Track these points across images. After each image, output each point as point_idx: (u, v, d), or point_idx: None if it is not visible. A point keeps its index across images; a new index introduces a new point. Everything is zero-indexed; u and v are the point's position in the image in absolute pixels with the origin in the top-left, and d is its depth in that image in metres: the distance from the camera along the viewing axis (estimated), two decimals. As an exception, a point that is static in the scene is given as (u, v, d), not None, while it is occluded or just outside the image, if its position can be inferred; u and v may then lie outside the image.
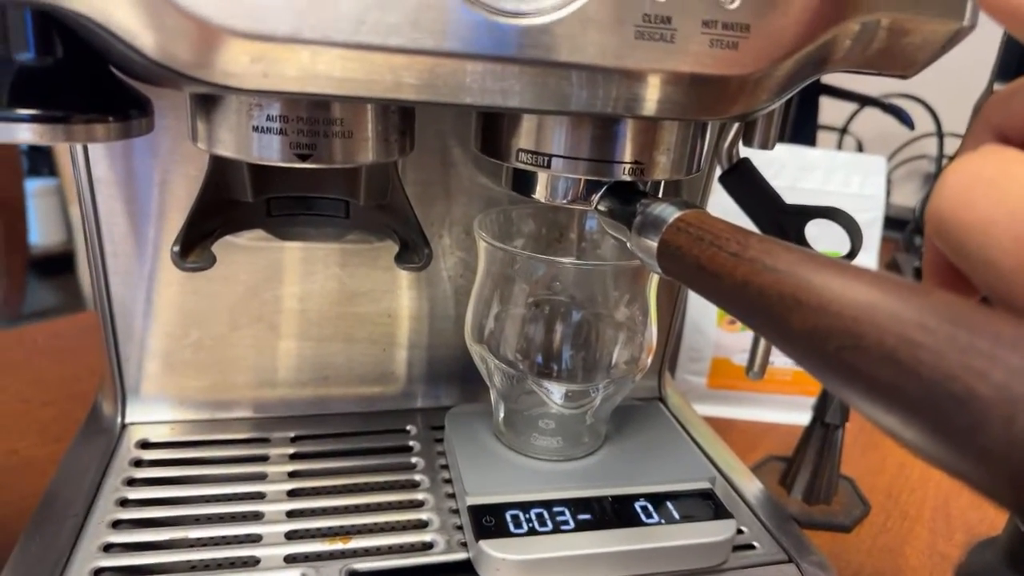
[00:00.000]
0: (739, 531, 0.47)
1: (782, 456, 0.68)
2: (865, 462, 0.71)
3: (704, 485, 0.48)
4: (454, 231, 0.52)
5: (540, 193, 0.40)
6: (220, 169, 0.39)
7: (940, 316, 0.17)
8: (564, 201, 0.40)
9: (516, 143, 0.38)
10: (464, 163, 0.50)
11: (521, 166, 0.38)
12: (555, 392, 0.46)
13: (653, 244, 0.34)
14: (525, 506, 0.44)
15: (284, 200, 0.42)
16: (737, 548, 0.46)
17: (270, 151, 0.33)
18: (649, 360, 0.47)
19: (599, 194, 0.39)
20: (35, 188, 2.46)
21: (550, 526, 0.43)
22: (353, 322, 0.54)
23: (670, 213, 0.33)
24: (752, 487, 0.52)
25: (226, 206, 0.41)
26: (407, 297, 0.54)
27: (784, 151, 0.76)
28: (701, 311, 0.73)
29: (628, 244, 0.37)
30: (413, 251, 0.40)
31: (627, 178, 0.38)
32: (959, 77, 0.81)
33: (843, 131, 1.24)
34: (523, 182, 0.40)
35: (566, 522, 0.43)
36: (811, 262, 0.23)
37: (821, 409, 0.61)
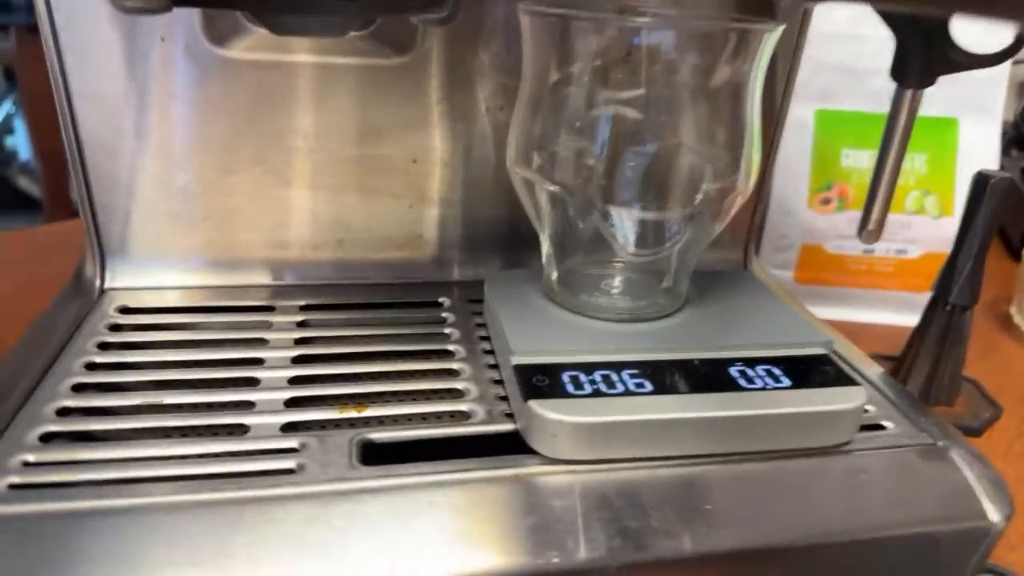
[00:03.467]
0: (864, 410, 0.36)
1: (889, 355, 0.57)
2: (988, 365, 0.60)
3: (818, 350, 0.37)
4: (491, 46, 0.42)
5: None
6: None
7: None
8: None
9: None
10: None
11: None
12: (625, 226, 0.36)
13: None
14: (587, 368, 0.34)
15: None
16: (864, 428, 0.35)
17: None
18: (751, 186, 0.36)
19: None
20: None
21: (620, 388, 0.33)
22: (372, 168, 0.44)
23: None
24: (872, 369, 0.42)
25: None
26: (435, 136, 0.44)
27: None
28: (790, 184, 0.62)
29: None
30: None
31: None
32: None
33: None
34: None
35: (641, 384, 0.33)
36: None
37: (945, 287, 0.50)
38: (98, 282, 0.44)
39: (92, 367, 0.37)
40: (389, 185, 0.45)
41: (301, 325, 0.41)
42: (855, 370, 0.40)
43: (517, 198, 0.42)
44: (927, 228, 0.61)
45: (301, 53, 0.41)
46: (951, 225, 0.61)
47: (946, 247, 0.62)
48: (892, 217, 0.61)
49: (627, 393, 0.32)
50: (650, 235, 0.36)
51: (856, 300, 0.64)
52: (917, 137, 0.61)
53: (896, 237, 0.62)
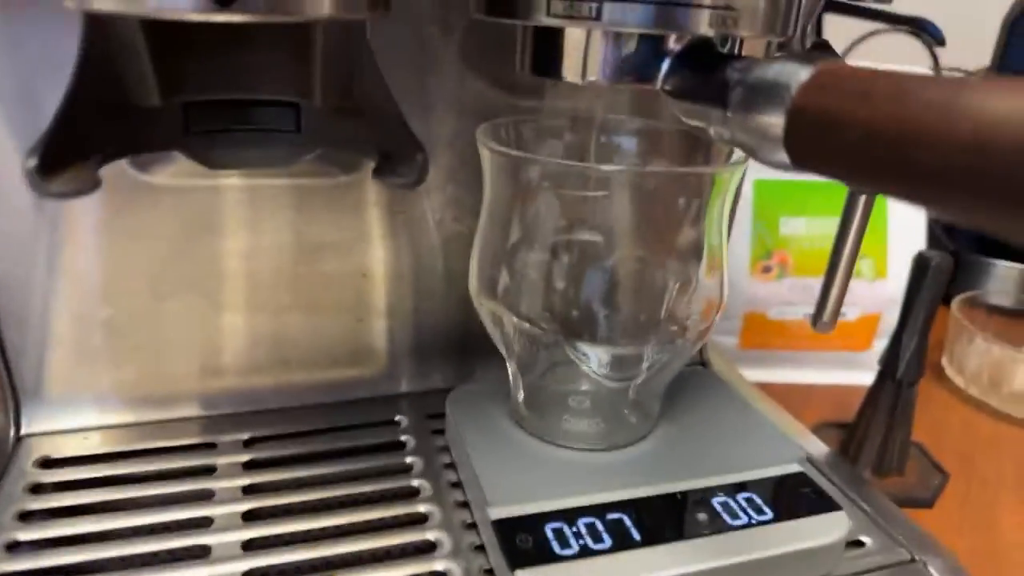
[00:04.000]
0: (841, 525, 0.36)
1: (837, 422, 0.58)
2: (924, 419, 0.61)
3: (794, 468, 0.37)
4: (440, 158, 0.40)
5: (573, 70, 0.28)
6: (102, 44, 0.26)
7: None
8: (608, 80, 0.28)
9: (547, -11, 0.26)
10: (448, 59, 0.38)
11: (553, 21, 0.26)
12: (595, 358, 0.34)
13: (773, 121, 0.22)
14: (570, 515, 0.32)
15: (207, 108, 0.29)
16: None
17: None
18: (719, 315, 0.35)
19: (666, 64, 0.27)
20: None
21: (608, 541, 0.31)
22: (317, 285, 0.41)
23: (794, 70, 0.22)
24: (836, 465, 0.42)
25: (121, 113, 0.28)
26: (384, 249, 0.42)
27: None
28: (731, 255, 0.62)
29: (717, 132, 0.25)
30: (399, 162, 0.28)
31: (708, 31, 0.26)
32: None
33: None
34: (548, 56, 0.28)
35: (629, 533, 0.31)
36: None
37: (892, 363, 0.51)
38: (12, 430, 0.39)
39: (13, 547, 0.33)
40: (335, 301, 0.42)
41: (248, 467, 0.38)
42: (829, 478, 0.40)
43: (469, 305, 0.40)
44: (864, 291, 0.63)
45: (232, 176, 0.38)
46: (885, 287, 0.63)
47: (881, 308, 0.64)
48: (829, 280, 0.63)
49: (616, 548, 0.31)
50: (624, 362, 0.35)
51: (799, 362, 0.64)
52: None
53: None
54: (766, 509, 0.34)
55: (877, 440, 0.52)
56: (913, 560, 0.35)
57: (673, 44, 0.28)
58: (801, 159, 0.23)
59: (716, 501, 0.34)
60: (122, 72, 0.27)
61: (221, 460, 0.39)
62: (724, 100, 0.25)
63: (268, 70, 0.28)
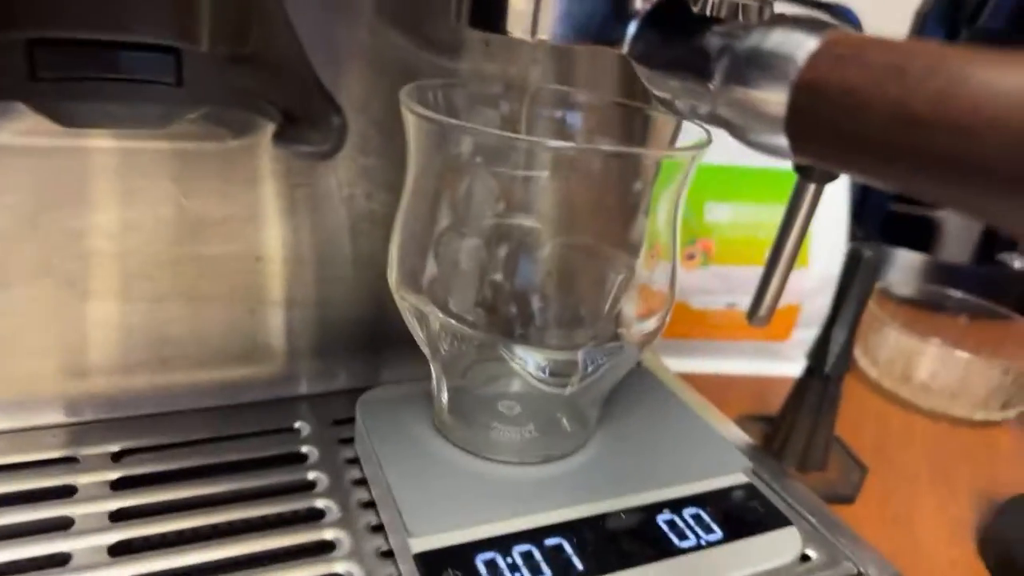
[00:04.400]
0: (787, 538, 0.33)
1: (759, 415, 0.56)
2: (842, 414, 0.61)
3: (739, 479, 0.34)
4: (350, 123, 0.34)
5: (520, 24, 0.23)
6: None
7: None
8: (563, 39, 0.23)
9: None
10: (361, 5, 0.32)
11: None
12: (533, 362, 0.30)
13: (771, 97, 0.18)
14: (504, 543, 0.28)
15: (60, 49, 0.23)
16: (792, 563, 0.32)
17: None
18: (667, 315, 0.32)
19: (634, 24, 0.23)
20: None
21: (548, 573, 0.27)
22: (201, 270, 0.35)
23: (801, 38, 0.18)
24: (768, 465, 0.39)
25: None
26: (282, 228, 0.36)
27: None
28: (657, 243, 0.59)
29: (691, 106, 0.21)
30: (307, 125, 0.23)
31: (686, -10, 0.22)
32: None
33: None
34: (491, 6, 0.24)
35: (569, 562, 0.28)
36: None
37: (819, 358, 0.49)
38: None
39: None
40: (225, 289, 0.36)
41: (117, 487, 0.32)
42: (767, 483, 0.37)
43: (380, 294, 0.35)
44: (784, 280, 0.61)
45: (99, 136, 0.31)
46: (805, 276, 0.61)
47: (801, 297, 0.62)
48: (749, 270, 0.61)
49: (557, 581, 0.27)
50: (565, 366, 0.31)
51: (718, 352, 0.63)
52: (775, 190, 0.61)
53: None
54: (715, 527, 0.31)
55: (803, 435, 0.51)
56: (860, 574, 0.33)
57: (639, 3, 0.23)
58: (804, 143, 0.19)
59: (662, 520, 0.30)
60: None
61: (83, 479, 0.32)
62: (706, 70, 0.21)
63: (142, 2, 0.22)
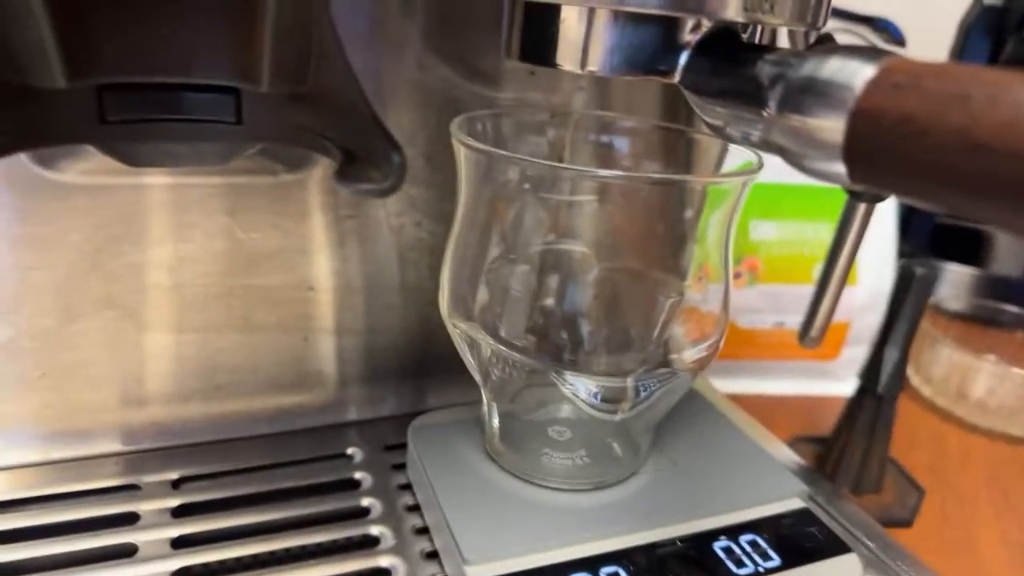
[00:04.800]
0: (847, 565, 0.33)
1: (810, 436, 0.55)
2: (896, 434, 0.59)
3: (796, 504, 0.33)
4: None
5: (570, 57, 0.24)
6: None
7: None
8: (614, 71, 0.23)
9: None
10: (409, 40, 0.33)
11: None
12: (584, 388, 0.30)
13: (829, 125, 0.18)
14: (559, 572, 0.28)
15: (126, 93, 0.24)
16: (852, 590, 0.32)
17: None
18: (721, 340, 0.32)
19: (685, 54, 0.23)
20: None
21: (605, 602, 0.27)
22: (255, 301, 0.36)
23: (857, 66, 0.18)
24: (825, 490, 0.39)
25: (17, 95, 0.22)
26: (332, 259, 0.37)
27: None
28: (701, 263, 0.59)
29: (744, 133, 0.21)
30: (366, 163, 0.23)
31: (739, 19, 0.22)
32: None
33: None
34: (540, 39, 0.24)
35: (627, 591, 0.27)
36: None
37: (872, 377, 0.48)
38: None
39: None
40: (278, 318, 0.37)
41: (178, 514, 0.33)
42: (829, 513, 0.37)
43: (429, 322, 0.35)
44: (833, 298, 0.60)
45: (156, 174, 0.32)
46: (855, 294, 0.61)
47: (850, 315, 0.61)
48: (799, 289, 0.60)
49: (614, 610, 0.27)
50: (617, 393, 0.31)
51: (766, 372, 0.62)
52: (820, 207, 0.60)
53: (804, 308, 0.60)
54: (772, 554, 0.30)
55: (856, 457, 0.50)
56: (924, 603, 0.32)
57: (688, 33, 0.24)
58: (863, 170, 0.19)
59: (719, 547, 0.30)
60: (18, 42, 0.21)
61: (145, 506, 0.33)
62: (759, 98, 0.21)
63: (203, 46, 0.23)
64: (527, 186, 0.28)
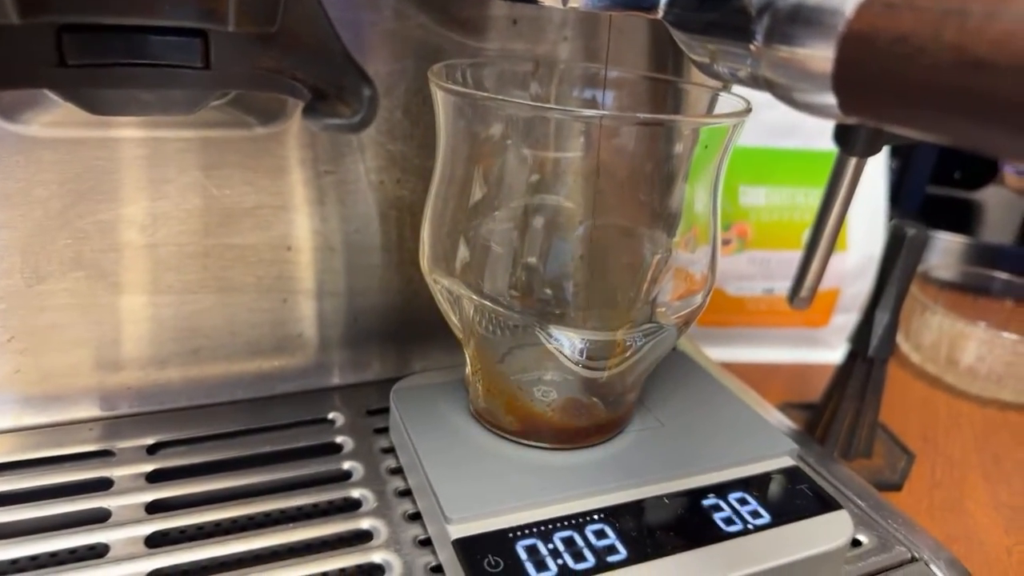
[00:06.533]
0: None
1: (800, 403, 0.55)
2: (886, 399, 0.59)
3: (786, 462, 0.33)
4: (379, 108, 0.34)
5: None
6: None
7: None
8: (596, 5, 0.22)
9: None
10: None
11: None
12: (569, 344, 0.30)
13: (818, 53, 0.18)
14: (544, 528, 0.27)
15: (87, 35, 0.23)
16: (843, 548, 0.31)
17: None
18: (707, 296, 0.31)
19: (671, -13, 0.22)
20: None
21: (591, 559, 0.26)
22: (232, 261, 0.35)
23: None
24: (816, 452, 0.38)
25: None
26: (311, 217, 0.36)
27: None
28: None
29: (731, 69, 0.20)
30: (339, 99, 0.22)
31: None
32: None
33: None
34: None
35: (613, 547, 0.27)
36: None
37: (862, 341, 0.48)
38: None
39: None
40: (256, 279, 0.36)
41: (153, 479, 0.32)
42: (819, 473, 0.36)
43: (410, 284, 0.34)
44: (822, 264, 0.60)
45: (127, 126, 0.31)
46: (845, 260, 0.60)
47: (840, 282, 0.61)
48: (787, 254, 0.60)
49: (600, 568, 0.26)
50: (602, 349, 0.30)
51: (756, 339, 0.61)
52: (811, 172, 0.59)
53: (793, 274, 0.60)
54: (762, 511, 0.30)
55: (846, 421, 0.50)
56: (915, 559, 0.32)
57: (673, -37, 0.23)
58: (853, 98, 0.18)
59: (707, 504, 0.29)
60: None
61: (119, 471, 0.32)
62: (746, 31, 0.20)
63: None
64: (509, 135, 0.27)
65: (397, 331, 0.39)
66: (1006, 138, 0.16)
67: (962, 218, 0.89)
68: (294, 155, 0.34)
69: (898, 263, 0.46)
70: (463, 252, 0.29)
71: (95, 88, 0.25)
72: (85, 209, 0.32)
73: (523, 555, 0.26)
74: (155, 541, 0.29)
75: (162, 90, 0.25)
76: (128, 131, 0.31)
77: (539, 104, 0.26)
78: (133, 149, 0.31)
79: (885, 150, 0.63)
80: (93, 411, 0.35)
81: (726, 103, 0.29)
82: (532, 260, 0.29)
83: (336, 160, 0.34)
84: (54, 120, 0.30)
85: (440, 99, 0.27)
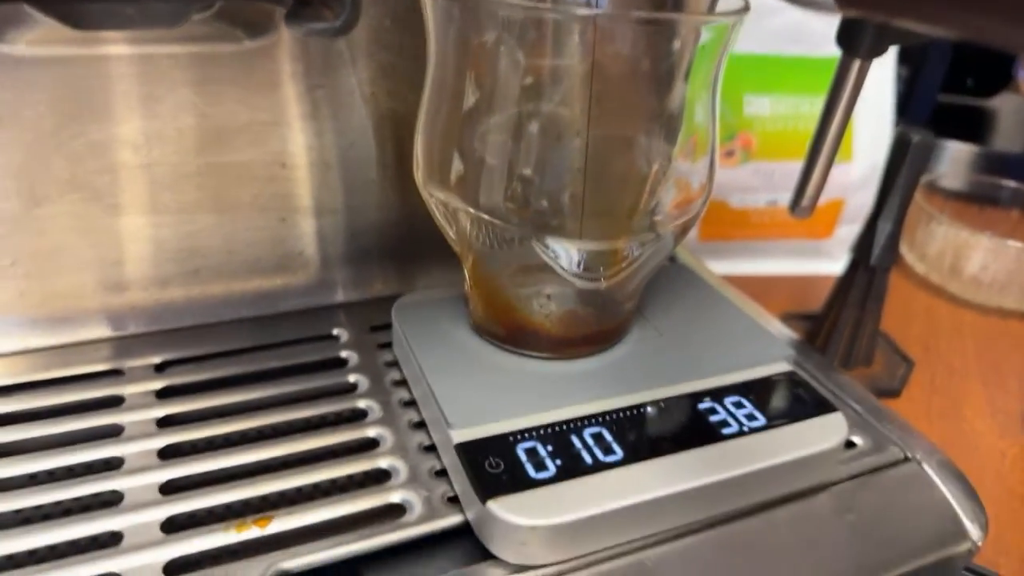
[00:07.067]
0: (832, 425, 0.33)
1: (802, 313, 0.55)
2: (888, 309, 0.59)
3: (782, 367, 0.33)
4: (366, 16, 0.33)
5: None
6: None
7: None
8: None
9: None
10: None
11: None
12: (566, 255, 0.30)
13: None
14: (543, 432, 0.28)
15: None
16: (837, 449, 0.32)
17: None
18: (704, 205, 0.31)
19: None
20: None
21: (588, 459, 0.27)
22: (228, 179, 0.35)
23: None
24: (814, 359, 0.38)
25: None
26: (305, 133, 0.35)
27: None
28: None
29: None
30: (321, 3, 0.22)
31: None
32: None
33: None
34: None
35: (610, 448, 0.28)
36: None
37: (864, 249, 0.47)
38: None
39: None
40: (251, 197, 0.36)
41: (162, 396, 0.33)
42: (816, 378, 0.37)
43: (409, 200, 0.34)
44: (827, 175, 0.59)
45: (115, 43, 0.31)
46: (850, 170, 0.59)
47: (845, 193, 0.60)
48: (791, 165, 0.59)
49: (597, 467, 0.27)
50: (600, 259, 0.30)
51: (759, 252, 0.61)
52: (813, 80, 0.58)
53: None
54: (757, 414, 0.30)
55: (847, 330, 0.50)
56: (907, 459, 0.32)
57: None
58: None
59: (702, 407, 0.30)
60: None
61: (129, 389, 0.33)
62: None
63: None
64: (502, 38, 0.27)
65: (398, 248, 0.39)
66: (1011, 26, 0.15)
67: (974, 127, 0.87)
68: (285, 69, 0.33)
69: (902, 171, 0.45)
70: (457, 165, 0.29)
71: (73, 2, 0.24)
72: (77, 130, 0.32)
73: (523, 456, 0.27)
74: (167, 454, 0.30)
75: (141, 1, 0.25)
76: (116, 48, 0.31)
77: (532, 4, 0.25)
78: (119, 67, 0.31)
79: (893, 56, 0.61)
80: (100, 332, 0.35)
81: (724, 2, 0.29)
82: (527, 171, 0.29)
83: (328, 73, 0.34)
84: (36, 38, 0.29)
85: (428, 2, 0.27)
